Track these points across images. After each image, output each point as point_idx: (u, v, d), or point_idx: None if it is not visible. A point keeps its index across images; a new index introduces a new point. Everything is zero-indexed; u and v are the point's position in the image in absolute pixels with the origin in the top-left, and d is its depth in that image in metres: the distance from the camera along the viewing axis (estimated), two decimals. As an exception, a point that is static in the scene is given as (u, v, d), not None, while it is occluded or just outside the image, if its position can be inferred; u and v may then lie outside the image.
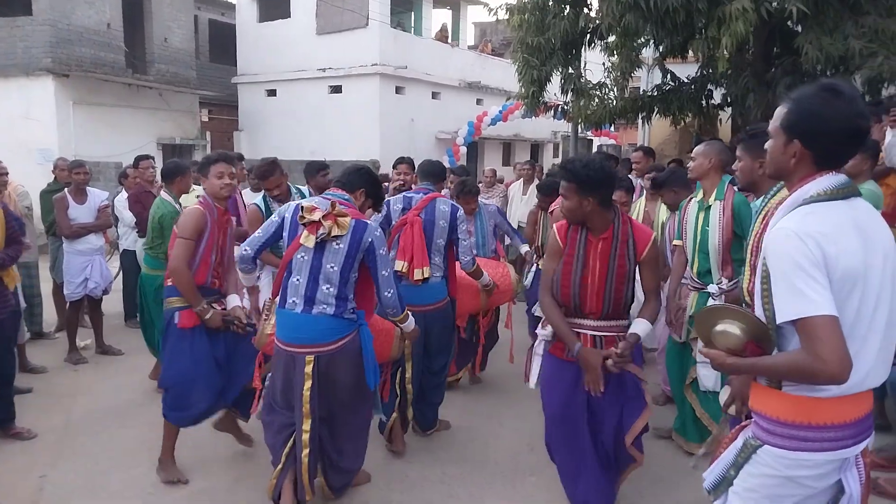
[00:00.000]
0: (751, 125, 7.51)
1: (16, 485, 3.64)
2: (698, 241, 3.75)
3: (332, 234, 3.01)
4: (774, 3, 6.21)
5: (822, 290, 1.63)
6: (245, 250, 3.26)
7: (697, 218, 3.75)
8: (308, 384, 3.06)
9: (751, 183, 3.21)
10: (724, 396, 2.82)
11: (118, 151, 14.03)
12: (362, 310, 3.22)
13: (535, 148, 23.57)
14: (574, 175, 2.85)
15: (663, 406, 4.64)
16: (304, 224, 3.04)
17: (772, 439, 1.80)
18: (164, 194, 4.88)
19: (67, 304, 5.98)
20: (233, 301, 3.71)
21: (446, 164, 13.10)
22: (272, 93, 18.47)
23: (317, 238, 3.01)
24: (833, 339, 1.61)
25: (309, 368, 3.06)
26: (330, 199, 3.13)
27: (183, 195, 5.10)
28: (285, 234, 3.16)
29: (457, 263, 4.13)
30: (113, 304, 6.69)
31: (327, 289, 3.05)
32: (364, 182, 3.33)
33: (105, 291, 6.04)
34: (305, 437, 3.12)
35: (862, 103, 1.73)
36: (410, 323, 3.46)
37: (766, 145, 1.88)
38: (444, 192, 4.33)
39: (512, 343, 5.12)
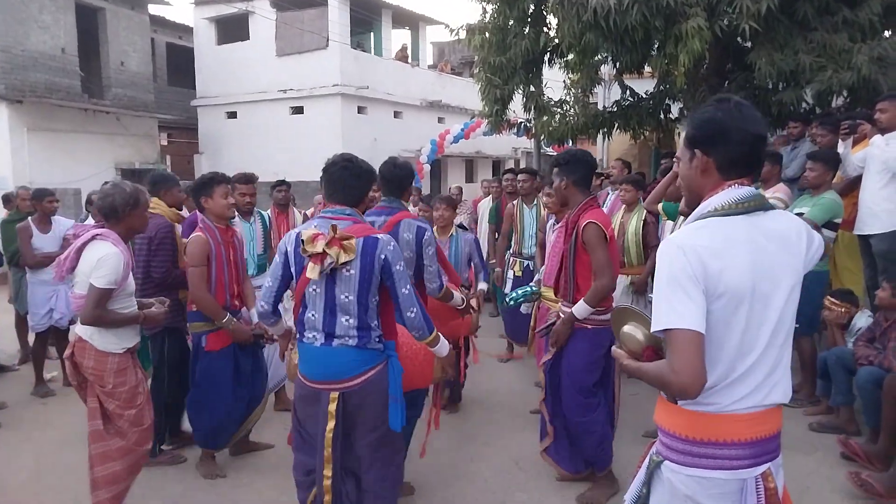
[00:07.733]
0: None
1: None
2: None
3: (341, 261, 2.66)
4: (727, 22, 6.45)
5: (692, 304, 1.61)
6: (262, 306, 2.95)
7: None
8: (331, 424, 2.74)
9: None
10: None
11: (75, 178, 13.78)
12: (391, 340, 2.88)
13: (497, 164, 23.81)
14: None
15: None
16: (307, 256, 2.69)
17: (670, 455, 1.78)
18: None
19: (32, 336, 5.84)
20: (254, 316, 3.93)
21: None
22: (232, 115, 18.31)
23: (324, 269, 2.66)
24: (688, 352, 1.59)
25: (332, 407, 2.73)
26: (329, 219, 2.79)
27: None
28: (293, 268, 2.82)
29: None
30: (79, 334, 6.52)
31: (346, 321, 2.72)
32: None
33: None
34: (327, 483, 2.79)
35: (753, 110, 1.74)
36: (443, 346, 2.98)
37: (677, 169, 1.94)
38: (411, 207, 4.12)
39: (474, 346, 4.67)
